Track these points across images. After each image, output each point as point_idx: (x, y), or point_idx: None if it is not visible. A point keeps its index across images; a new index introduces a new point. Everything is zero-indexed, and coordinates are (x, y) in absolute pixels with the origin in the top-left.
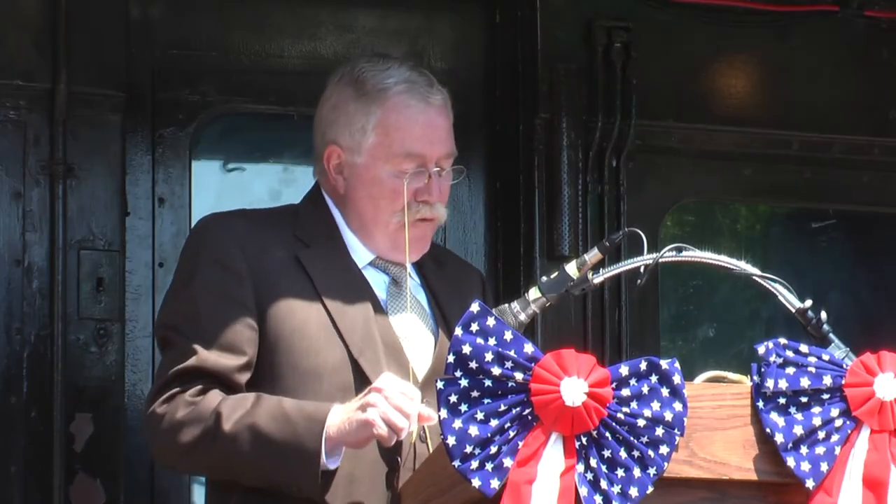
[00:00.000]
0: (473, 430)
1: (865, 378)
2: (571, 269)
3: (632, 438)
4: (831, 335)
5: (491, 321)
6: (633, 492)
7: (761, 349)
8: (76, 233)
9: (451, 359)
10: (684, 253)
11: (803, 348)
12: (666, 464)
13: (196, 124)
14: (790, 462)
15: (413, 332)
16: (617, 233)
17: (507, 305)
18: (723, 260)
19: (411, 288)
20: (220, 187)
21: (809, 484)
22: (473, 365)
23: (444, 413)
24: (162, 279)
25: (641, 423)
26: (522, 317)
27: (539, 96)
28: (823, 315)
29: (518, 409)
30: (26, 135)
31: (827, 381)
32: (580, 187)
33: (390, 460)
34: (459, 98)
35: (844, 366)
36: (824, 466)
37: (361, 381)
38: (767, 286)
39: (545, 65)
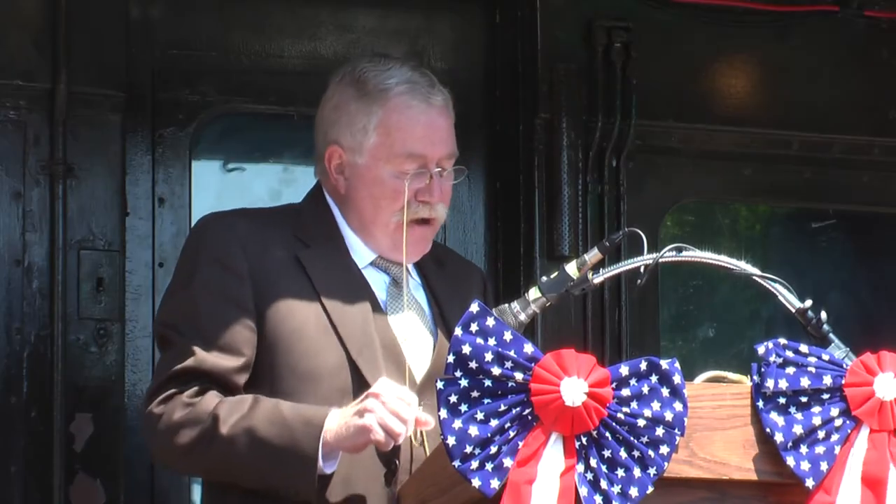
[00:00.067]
0: (473, 430)
1: (865, 378)
2: (571, 269)
3: (632, 438)
4: (831, 335)
5: (491, 321)
6: (633, 492)
7: (761, 349)
8: (76, 233)
9: (450, 359)
10: (684, 253)
11: (803, 348)
12: (666, 464)
13: (196, 124)
14: (790, 461)
15: (412, 332)
16: (617, 233)
17: (507, 305)
18: (723, 260)
19: (411, 288)
20: (220, 187)
21: (809, 483)
22: (473, 365)
23: (444, 413)
24: (162, 279)
25: (641, 423)
26: (522, 317)
27: (539, 96)
28: (823, 315)
29: (518, 409)
30: (26, 135)
31: (827, 380)
32: (580, 187)
33: (387, 462)
34: (459, 98)
35: (844, 366)
36: (824, 466)
37: (359, 382)
38: (767, 286)
39: (545, 65)
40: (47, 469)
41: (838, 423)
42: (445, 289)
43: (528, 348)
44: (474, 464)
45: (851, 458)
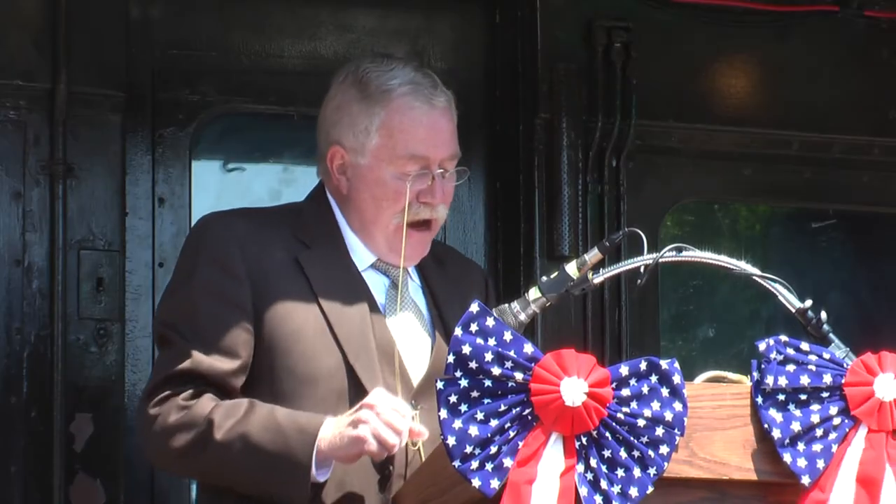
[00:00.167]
0: (473, 431)
1: (865, 378)
2: (571, 269)
3: (632, 438)
4: (831, 335)
5: (490, 321)
6: (633, 492)
7: (762, 346)
8: (76, 233)
9: (450, 359)
10: (684, 253)
11: (804, 346)
12: (666, 464)
13: (196, 124)
14: (786, 458)
15: (410, 335)
16: (617, 233)
17: (507, 305)
18: (723, 260)
19: (411, 290)
20: (220, 187)
21: (805, 480)
22: (473, 365)
23: (444, 413)
24: (162, 279)
25: (641, 423)
26: (522, 317)
27: (539, 96)
28: (823, 315)
29: (518, 409)
30: (26, 135)
31: (827, 379)
32: (580, 187)
33: (381, 468)
34: (460, 98)
35: (845, 365)
36: (821, 464)
37: (356, 385)
38: (767, 286)
39: (545, 65)
40: (47, 469)
41: (837, 421)
42: (445, 289)
43: (528, 348)
44: (474, 464)
45: (848, 457)
